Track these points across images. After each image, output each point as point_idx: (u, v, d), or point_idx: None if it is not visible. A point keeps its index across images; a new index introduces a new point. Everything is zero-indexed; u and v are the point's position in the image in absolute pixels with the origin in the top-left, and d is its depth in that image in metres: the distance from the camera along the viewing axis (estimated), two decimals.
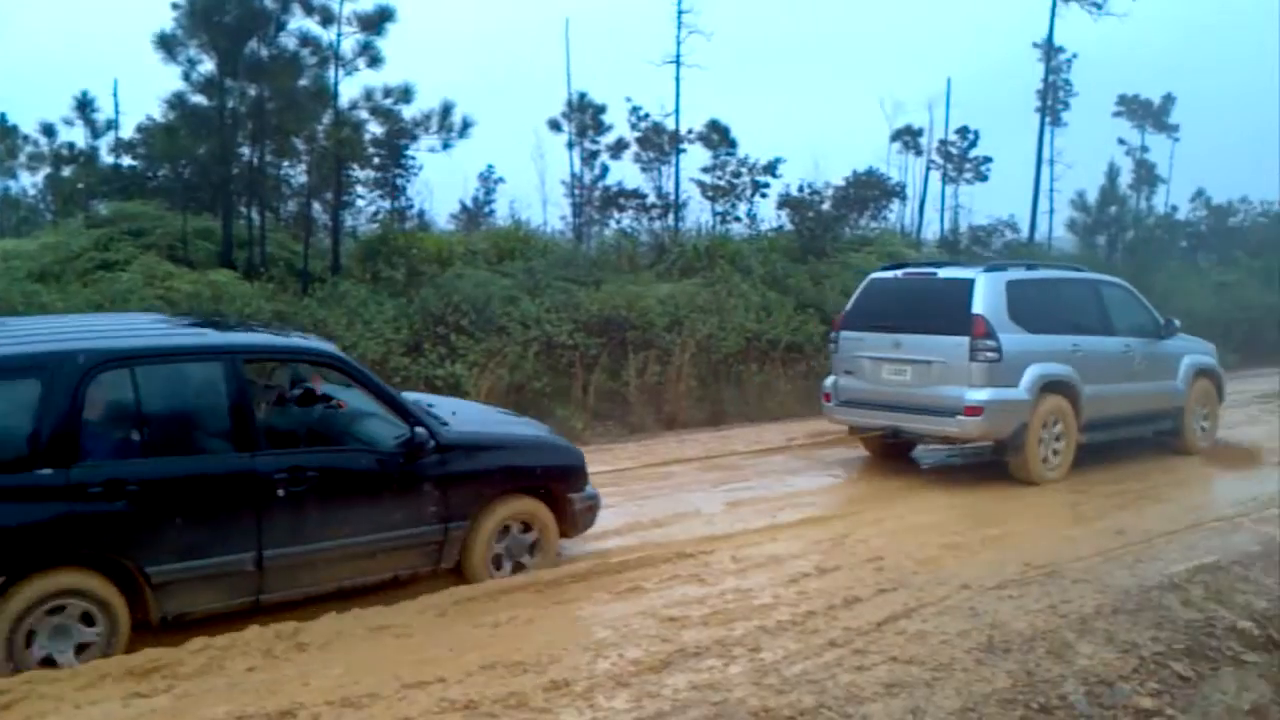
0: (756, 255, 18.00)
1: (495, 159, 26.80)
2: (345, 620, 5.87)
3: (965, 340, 9.70)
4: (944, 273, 10.62)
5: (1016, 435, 9.78)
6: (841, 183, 29.89)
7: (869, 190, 31.36)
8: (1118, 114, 54.53)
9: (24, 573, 5.13)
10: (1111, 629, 6.19)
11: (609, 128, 27.88)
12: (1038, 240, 34.00)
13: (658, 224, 24.86)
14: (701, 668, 5.33)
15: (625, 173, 28.32)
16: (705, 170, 26.91)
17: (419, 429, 6.40)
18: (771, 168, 25.48)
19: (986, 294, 9.83)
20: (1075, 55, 47.87)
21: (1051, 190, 42.83)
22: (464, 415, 7.43)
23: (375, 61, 14.98)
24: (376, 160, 18.56)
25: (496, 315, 13.42)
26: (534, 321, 13.48)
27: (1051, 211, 40.61)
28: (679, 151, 26.22)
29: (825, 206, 23.18)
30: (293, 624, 5.72)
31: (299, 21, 14.70)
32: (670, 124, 25.25)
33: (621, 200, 27.15)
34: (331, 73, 15.08)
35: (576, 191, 28.22)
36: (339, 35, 14.83)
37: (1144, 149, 53.44)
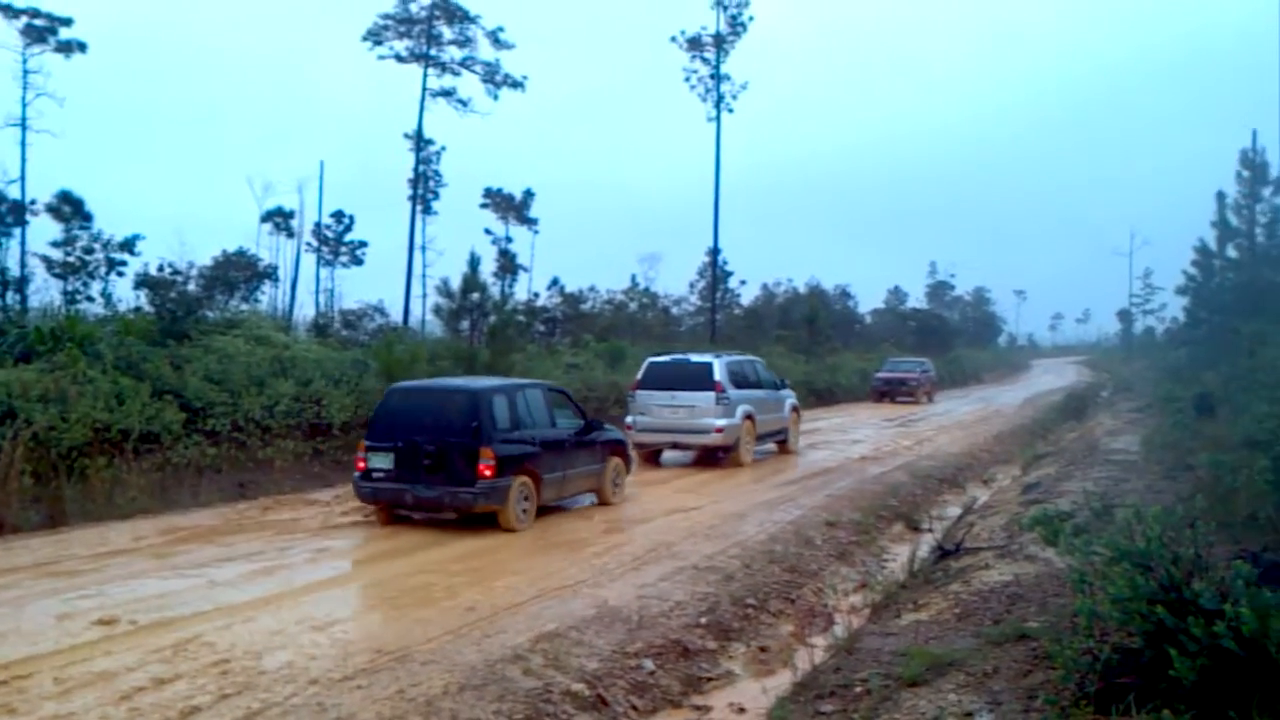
0: (110, 338, 16.66)
1: None
2: None
3: (712, 394, 18.59)
4: (694, 358, 19.91)
5: (736, 442, 18.86)
6: (209, 263, 28.93)
7: (239, 271, 30.67)
8: (484, 205, 58.50)
9: (518, 473, 12.34)
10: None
11: None
12: (411, 325, 35.17)
13: None
14: None
15: None
16: (54, 245, 24.71)
17: (593, 420, 14.61)
18: (130, 245, 24.01)
19: (720, 369, 18.94)
20: (444, 148, 50.88)
21: (424, 276, 44.86)
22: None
23: None
24: None
25: None
26: None
27: (424, 296, 42.39)
28: (23, 224, 23.88)
29: (190, 287, 22.19)
30: None
31: None
32: (14, 193, 22.86)
33: None
34: None
35: None
36: None
37: (508, 239, 57.84)
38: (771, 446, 21.06)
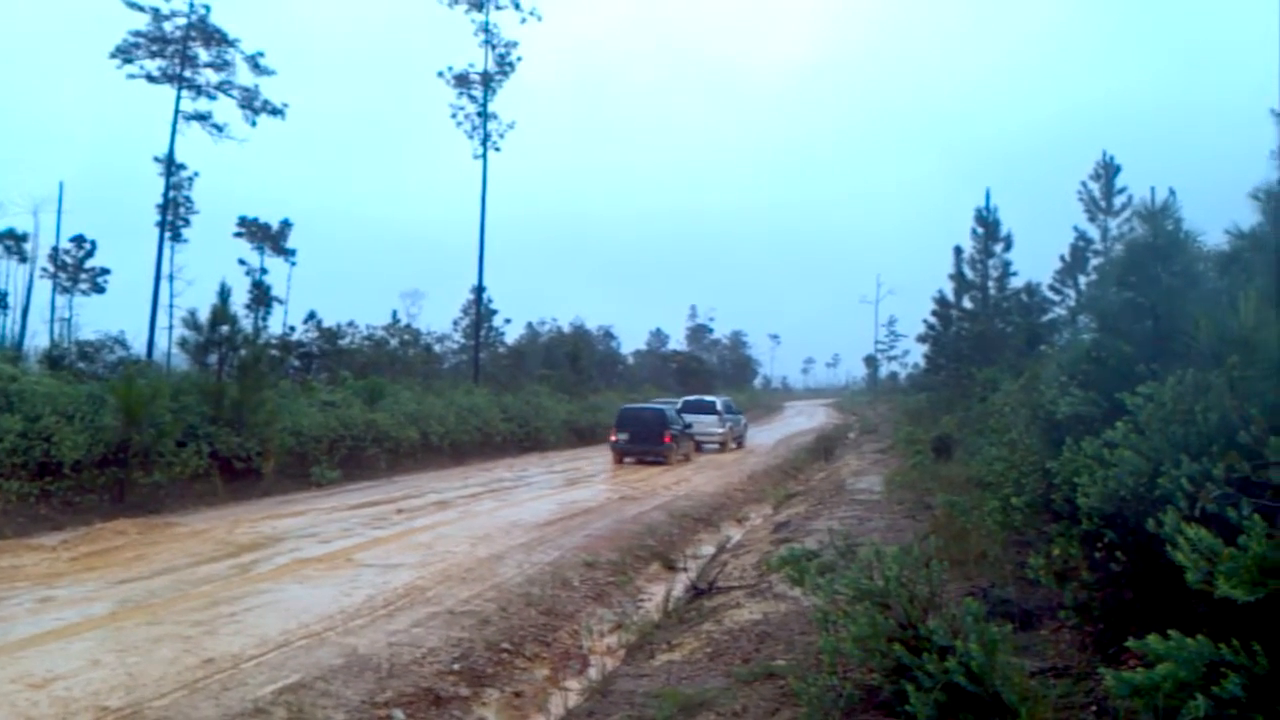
0: None
1: None
2: None
3: (715, 416, 37.83)
4: (707, 397, 41.28)
5: (727, 441, 37.78)
6: None
7: None
8: (239, 235, 56.23)
9: (674, 441, 30.90)
10: None
11: None
12: (156, 358, 33.31)
13: None
14: None
15: None
16: None
17: (688, 423, 33.83)
18: None
19: (720, 404, 39.46)
20: (198, 173, 48.69)
21: (171, 307, 42.66)
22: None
23: None
24: None
25: None
26: None
27: (171, 328, 40.28)
28: None
29: None
30: None
31: None
32: None
33: None
34: None
35: None
36: None
37: (263, 270, 55.75)
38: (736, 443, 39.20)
